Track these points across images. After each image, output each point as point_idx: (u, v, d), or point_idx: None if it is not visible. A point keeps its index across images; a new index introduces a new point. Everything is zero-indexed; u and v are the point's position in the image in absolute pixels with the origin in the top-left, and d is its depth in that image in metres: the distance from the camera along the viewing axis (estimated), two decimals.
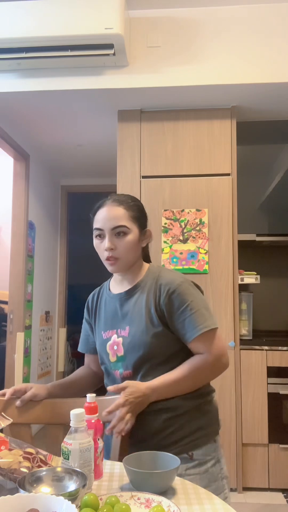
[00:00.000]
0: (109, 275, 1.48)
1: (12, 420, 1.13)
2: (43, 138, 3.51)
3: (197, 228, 2.73)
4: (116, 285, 1.44)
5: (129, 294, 1.38)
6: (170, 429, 1.29)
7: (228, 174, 2.77)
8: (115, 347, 1.36)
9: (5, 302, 3.64)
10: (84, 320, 1.54)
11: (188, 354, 1.33)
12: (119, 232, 1.33)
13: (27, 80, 2.63)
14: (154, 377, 1.29)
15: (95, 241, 1.37)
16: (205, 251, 2.71)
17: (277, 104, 2.77)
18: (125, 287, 1.40)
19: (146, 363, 1.31)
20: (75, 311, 4.64)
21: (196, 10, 2.61)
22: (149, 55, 2.60)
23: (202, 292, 1.39)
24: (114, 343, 1.36)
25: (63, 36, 2.38)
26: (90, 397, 1.08)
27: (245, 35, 2.58)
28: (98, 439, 1.05)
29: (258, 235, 3.09)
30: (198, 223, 2.74)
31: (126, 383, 1.21)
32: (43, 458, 1.02)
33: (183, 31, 2.61)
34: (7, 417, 1.13)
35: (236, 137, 2.80)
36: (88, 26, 2.35)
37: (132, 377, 1.32)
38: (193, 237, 2.73)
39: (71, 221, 4.81)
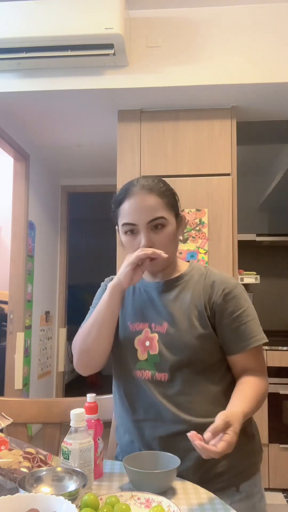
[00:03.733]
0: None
1: (12, 420, 1.13)
2: (43, 138, 3.51)
3: (197, 228, 2.74)
4: (149, 277, 1.24)
5: (168, 285, 1.19)
6: (211, 461, 1.03)
7: (228, 174, 2.77)
8: (147, 343, 1.16)
9: (5, 302, 3.64)
10: (95, 304, 1.30)
11: (228, 368, 1.17)
12: (156, 225, 1.12)
13: (27, 80, 2.63)
14: (194, 388, 1.11)
15: (126, 238, 1.15)
16: (205, 251, 2.71)
17: (277, 104, 2.76)
18: (162, 277, 1.21)
19: (185, 369, 1.12)
20: (75, 311, 4.64)
21: (196, 10, 2.61)
22: (149, 55, 2.60)
23: None
24: (147, 338, 1.16)
25: (63, 36, 2.37)
26: (91, 396, 1.08)
27: (245, 35, 2.58)
28: (98, 439, 1.05)
29: (258, 235, 3.09)
30: (198, 223, 2.74)
31: (226, 417, 0.92)
32: (43, 458, 1.02)
33: (183, 31, 2.61)
34: (7, 417, 1.13)
35: (236, 137, 2.80)
36: (88, 26, 2.35)
37: (168, 382, 1.12)
38: (193, 237, 2.73)
39: (71, 221, 4.81)
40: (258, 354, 1.15)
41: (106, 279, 1.33)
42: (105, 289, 1.22)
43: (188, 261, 1.27)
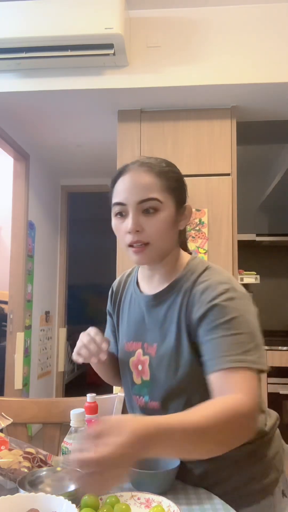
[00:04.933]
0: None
1: (12, 420, 1.13)
2: (43, 138, 3.51)
3: (197, 228, 2.73)
4: (145, 280, 1.09)
5: (158, 299, 1.03)
6: (209, 481, 0.97)
7: (228, 174, 2.77)
8: (140, 367, 1.04)
9: (5, 302, 3.64)
10: (107, 312, 1.22)
11: None
12: (148, 208, 0.96)
13: (27, 80, 2.63)
14: None
15: (114, 221, 1.01)
16: (205, 251, 2.71)
17: (277, 104, 2.76)
18: (155, 286, 1.05)
19: (177, 398, 0.97)
20: (75, 311, 4.65)
21: (196, 10, 2.61)
22: (149, 55, 2.60)
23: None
24: (139, 361, 1.04)
25: (63, 36, 2.37)
26: (91, 396, 1.08)
27: (245, 35, 2.57)
28: None
29: (258, 235, 3.09)
30: (198, 223, 2.74)
31: (106, 424, 0.69)
32: (43, 458, 1.02)
33: (183, 31, 2.60)
34: (7, 417, 1.13)
35: (236, 137, 2.80)
36: (88, 26, 2.35)
37: (160, 411, 0.99)
38: (193, 237, 2.73)
39: (71, 221, 4.81)
40: (243, 382, 0.84)
41: (114, 283, 1.21)
42: (112, 296, 1.18)
43: (191, 253, 1.10)
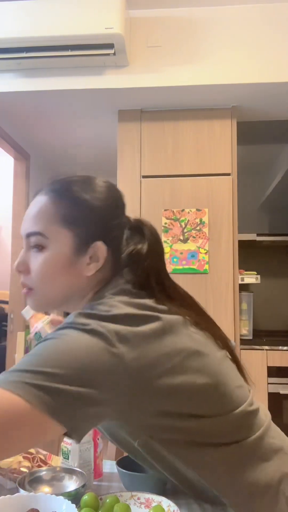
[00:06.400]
0: None
1: None
2: (43, 138, 3.51)
3: (197, 228, 2.74)
4: None
5: None
6: None
7: (228, 174, 2.77)
8: None
9: (6, 302, 3.65)
10: None
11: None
12: (34, 244, 0.81)
13: (27, 80, 2.63)
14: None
15: None
16: (205, 251, 2.71)
17: (277, 104, 2.76)
18: None
19: None
20: None
21: (196, 10, 2.61)
22: (149, 55, 2.60)
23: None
24: None
25: (63, 36, 2.37)
26: None
27: (245, 35, 2.57)
28: (98, 439, 1.05)
29: (258, 234, 3.09)
30: (198, 223, 2.74)
31: None
32: (43, 458, 1.02)
33: (183, 31, 2.60)
34: None
35: (236, 137, 2.80)
36: (88, 26, 2.35)
37: None
38: (193, 237, 2.73)
39: None
40: None
41: None
42: None
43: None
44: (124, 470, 0.94)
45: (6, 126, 3.16)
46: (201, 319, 0.83)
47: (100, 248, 0.81)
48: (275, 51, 2.55)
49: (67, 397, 0.62)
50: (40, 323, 1.08)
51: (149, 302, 0.76)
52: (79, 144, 3.61)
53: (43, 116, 3.08)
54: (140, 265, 0.81)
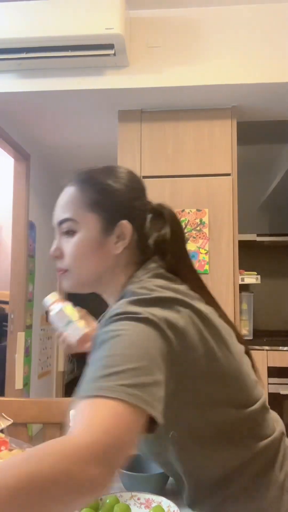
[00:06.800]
0: None
1: (12, 420, 1.13)
2: (43, 138, 3.52)
3: (198, 228, 2.73)
4: None
5: (100, 326, 0.79)
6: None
7: (228, 174, 2.77)
8: None
9: (6, 302, 3.65)
10: None
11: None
12: (66, 230, 0.88)
13: (27, 80, 2.63)
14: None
15: None
16: (206, 251, 2.71)
17: (277, 104, 2.76)
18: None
19: None
20: None
21: (196, 10, 2.61)
22: (150, 55, 2.60)
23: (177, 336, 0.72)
24: None
25: (63, 36, 2.38)
26: None
27: (245, 35, 2.57)
28: None
29: (258, 235, 3.09)
30: (199, 223, 2.74)
31: None
32: None
33: (184, 31, 2.60)
34: (7, 417, 1.13)
35: (236, 137, 2.80)
36: (89, 26, 2.35)
37: None
38: (194, 237, 2.73)
39: None
40: (87, 412, 0.59)
41: None
42: None
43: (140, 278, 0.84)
44: (124, 470, 0.94)
45: (6, 126, 3.16)
46: (222, 312, 0.89)
47: (125, 226, 0.87)
48: (275, 51, 2.55)
49: (151, 387, 0.64)
50: (60, 304, 1.16)
51: (183, 288, 0.81)
52: (79, 144, 3.61)
53: (43, 116, 3.08)
54: (167, 251, 0.88)
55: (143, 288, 0.77)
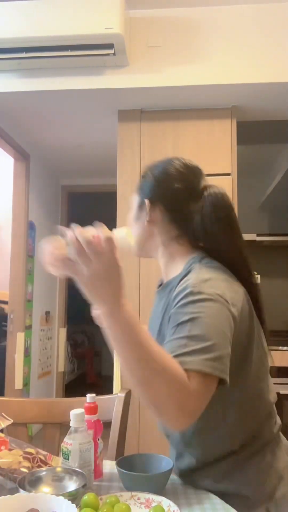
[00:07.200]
0: None
1: (12, 420, 1.13)
2: (43, 138, 3.51)
3: None
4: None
5: (158, 296, 1.11)
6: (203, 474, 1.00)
7: (228, 174, 2.77)
8: None
9: (5, 302, 3.65)
10: None
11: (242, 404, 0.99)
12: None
13: (27, 80, 2.63)
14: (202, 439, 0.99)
15: None
16: None
17: (277, 104, 2.76)
18: (165, 280, 1.11)
19: None
20: (75, 311, 4.65)
21: (196, 9, 2.61)
22: (150, 55, 2.60)
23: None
24: None
25: (63, 36, 2.37)
26: (90, 397, 1.08)
27: (245, 35, 2.57)
28: (98, 439, 1.05)
29: (258, 235, 3.09)
30: None
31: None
32: (43, 458, 1.02)
33: (184, 31, 2.60)
34: (7, 417, 1.13)
35: (236, 137, 2.80)
36: (88, 26, 2.35)
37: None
38: None
39: (71, 221, 4.79)
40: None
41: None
42: None
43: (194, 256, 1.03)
44: (124, 470, 0.94)
45: (6, 126, 3.16)
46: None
47: (147, 204, 1.09)
48: (275, 51, 2.55)
49: (225, 359, 0.85)
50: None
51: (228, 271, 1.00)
52: (79, 144, 3.61)
53: (43, 116, 3.08)
54: (212, 236, 1.05)
55: (208, 269, 0.96)
